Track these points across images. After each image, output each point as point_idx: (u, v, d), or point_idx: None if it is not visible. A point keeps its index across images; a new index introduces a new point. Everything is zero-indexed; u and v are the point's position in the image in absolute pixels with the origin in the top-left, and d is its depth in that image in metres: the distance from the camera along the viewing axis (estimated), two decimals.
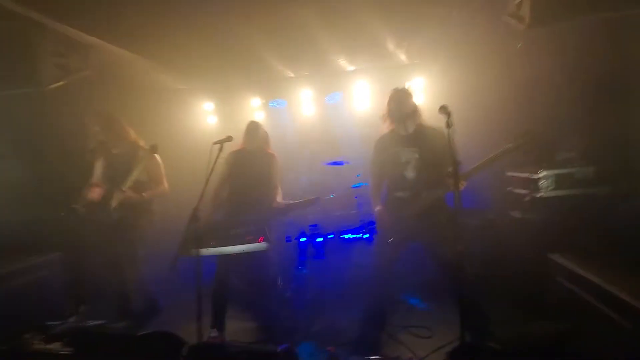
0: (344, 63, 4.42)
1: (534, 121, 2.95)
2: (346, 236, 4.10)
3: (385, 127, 2.64)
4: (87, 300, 3.13)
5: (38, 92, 2.67)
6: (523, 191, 3.10)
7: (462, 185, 2.24)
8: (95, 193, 2.85)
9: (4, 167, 3.26)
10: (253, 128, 3.01)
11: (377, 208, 2.62)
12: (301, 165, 4.48)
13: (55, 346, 2.62)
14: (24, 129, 3.20)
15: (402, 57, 4.26)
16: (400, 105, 2.51)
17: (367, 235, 4.06)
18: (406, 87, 2.63)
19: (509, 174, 3.34)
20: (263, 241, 2.42)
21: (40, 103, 2.97)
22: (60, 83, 2.77)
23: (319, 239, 4.04)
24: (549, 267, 2.59)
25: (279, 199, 2.85)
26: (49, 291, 3.06)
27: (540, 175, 2.86)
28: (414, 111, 2.52)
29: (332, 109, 4.77)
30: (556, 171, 2.85)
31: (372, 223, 4.00)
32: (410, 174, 2.50)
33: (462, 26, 3.22)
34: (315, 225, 3.98)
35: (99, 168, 3.01)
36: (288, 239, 3.91)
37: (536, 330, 2.38)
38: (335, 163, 4.15)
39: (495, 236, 3.28)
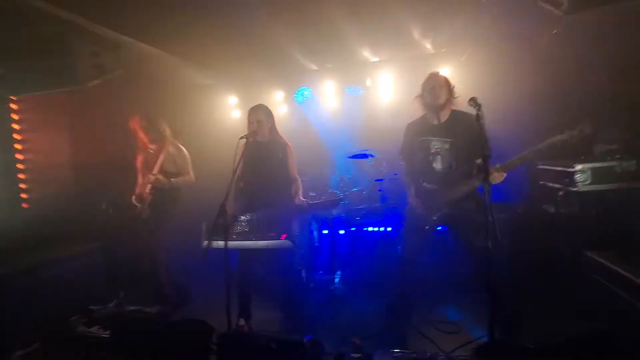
0: (368, 54, 4.36)
1: (569, 112, 2.81)
2: (369, 229, 4.10)
3: (416, 112, 2.54)
4: (124, 287, 3.32)
5: (78, 91, 2.83)
6: (557, 185, 2.97)
7: (502, 177, 2.18)
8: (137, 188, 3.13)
9: (47, 162, 3.49)
10: (257, 115, 2.75)
11: (409, 194, 2.58)
12: (325, 157, 4.49)
13: (96, 329, 2.84)
14: (66, 125, 3.41)
15: (428, 46, 4.15)
16: (433, 92, 2.39)
17: (390, 228, 4.04)
18: (441, 72, 2.47)
19: (542, 166, 3.21)
20: (286, 239, 2.42)
21: (79, 101, 3.15)
22: (97, 81, 2.93)
23: (342, 232, 4.07)
24: (584, 264, 2.49)
25: (300, 194, 2.76)
26: (90, 278, 3.27)
27: (577, 168, 2.73)
28: (448, 99, 2.40)
29: (356, 101, 4.73)
30: (594, 164, 2.71)
31: (395, 216, 3.98)
32: (439, 165, 2.43)
33: (493, 13, 3.09)
34: (339, 218, 3.99)
35: (139, 162, 3.24)
36: (311, 232, 3.95)
37: (569, 329, 2.30)
38: (359, 156, 4.12)
39: (526, 230, 3.17)
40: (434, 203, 2.43)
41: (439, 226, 2.50)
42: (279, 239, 2.41)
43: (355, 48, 4.10)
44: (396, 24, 3.43)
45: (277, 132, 2.87)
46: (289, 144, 2.87)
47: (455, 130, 2.38)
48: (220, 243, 2.29)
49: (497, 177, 2.17)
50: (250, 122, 2.74)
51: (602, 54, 2.77)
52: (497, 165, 2.18)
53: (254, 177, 2.78)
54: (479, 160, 1.89)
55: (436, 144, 2.42)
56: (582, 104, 2.92)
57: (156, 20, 2.98)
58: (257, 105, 2.84)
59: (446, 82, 2.43)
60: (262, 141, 2.76)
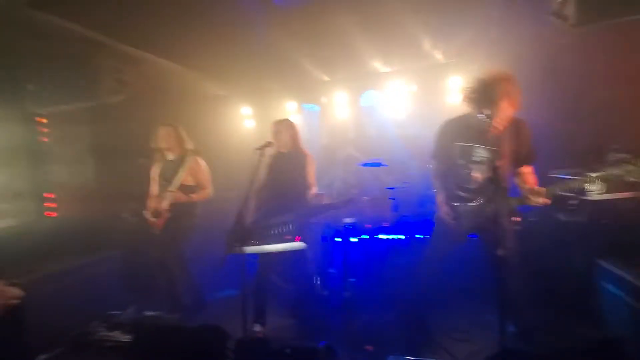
0: (379, 65, 4.44)
1: (581, 122, 2.82)
2: (381, 237, 4.13)
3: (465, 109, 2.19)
4: (143, 293, 3.40)
5: (101, 105, 2.98)
6: (569, 193, 2.97)
7: (546, 202, 2.02)
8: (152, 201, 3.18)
9: (71, 173, 3.64)
10: (277, 127, 2.92)
11: (439, 201, 2.39)
12: (337, 167, 4.56)
13: (116, 334, 2.93)
14: (89, 137, 3.56)
15: (439, 56, 4.21)
16: (492, 91, 2.00)
17: (402, 236, 4.07)
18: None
19: (553, 175, 3.21)
20: (300, 240, 2.49)
21: (102, 114, 3.30)
22: (119, 96, 3.07)
23: (354, 239, 4.10)
24: (596, 272, 2.49)
25: (315, 190, 2.83)
26: (110, 284, 3.37)
27: (589, 177, 2.72)
28: (506, 102, 1.99)
29: (368, 111, 4.80)
30: (606, 173, 2.70)
31: (407, 224, 4.01)
32: (478, 175, 2.18)
33: (502, 24, 3.13)
34: (350, 225, 4.03)
35: (155, 172, 3.28)
36: (324, 239, 4.00)
37: (581, 337, 2.30)
38: (371, 164, 4.18)
39: (538, 239, 3.16)
40: (468, 214, 2.26)
41: (473, 235, 2.37)
42: (293, 241, 2.49)
43: (367, 58, 4.18)
44: (406, 34, 3.50)
45: (299, 143, 2.98)
46: (309, 153, 3.00)
47: (503, 140, 2.10)
48: (237, 250, 2.38)
49: (540, 202, 2.02)
50: (273, 133, 2.88)
51: (614, 64, 2.78)
52: (542, 189, 2.03)
53: (275, 186, 2.91)
54: (526, 186, 1.84)
55: (481, 153, 2.16)
56: (594, 114, 2.92)
57: (171, 36, 3.11)
58: (281, 119, 3.01)
59: (511, 80, 2.01)
60: (284, 152, 2.92)
